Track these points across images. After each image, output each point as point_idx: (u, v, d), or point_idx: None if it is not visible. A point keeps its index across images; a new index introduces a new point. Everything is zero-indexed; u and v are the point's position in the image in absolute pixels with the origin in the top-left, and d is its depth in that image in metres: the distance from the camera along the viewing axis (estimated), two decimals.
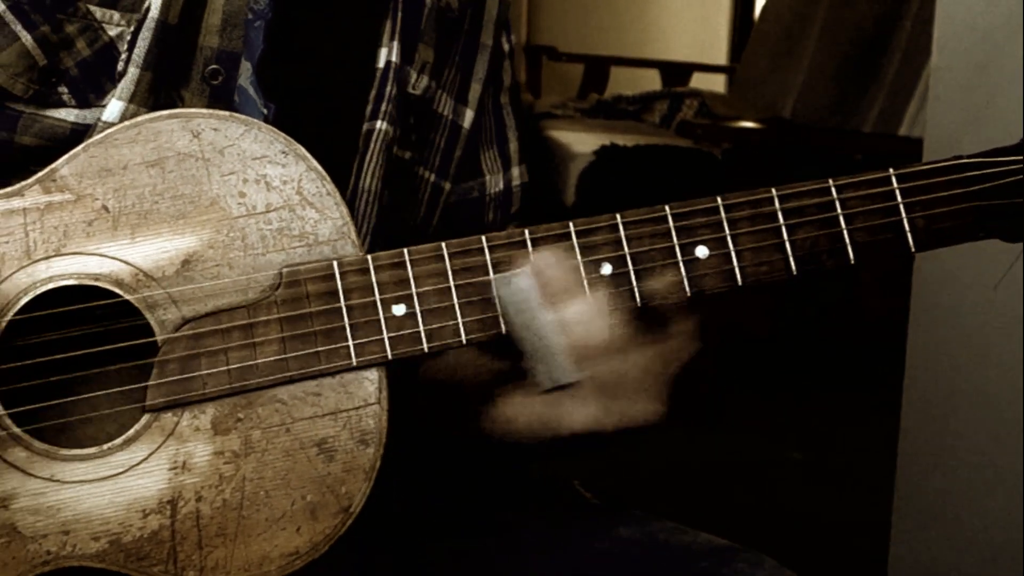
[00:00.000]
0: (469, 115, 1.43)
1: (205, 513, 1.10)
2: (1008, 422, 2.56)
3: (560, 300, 1.14)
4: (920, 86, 5.02)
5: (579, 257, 1.14)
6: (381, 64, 1.33)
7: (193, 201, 1.11)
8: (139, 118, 1.11)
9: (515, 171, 1.49)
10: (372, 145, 1.31)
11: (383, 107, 1.32)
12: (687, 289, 1.16)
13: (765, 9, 6.76)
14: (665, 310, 1.16)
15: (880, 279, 4.17)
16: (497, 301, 1.14)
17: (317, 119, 1.30)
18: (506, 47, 1.48)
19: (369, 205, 1.31)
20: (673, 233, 1.16)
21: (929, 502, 2.74)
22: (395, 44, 1.33)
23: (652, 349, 1.17)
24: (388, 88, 1.32)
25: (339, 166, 1.26)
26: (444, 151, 1.41)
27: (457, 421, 1.34)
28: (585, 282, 1.15)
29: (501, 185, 1.47)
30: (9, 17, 1.17)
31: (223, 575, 1.10)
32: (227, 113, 1.12)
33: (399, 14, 1.34)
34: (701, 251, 1.16)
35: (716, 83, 7.25)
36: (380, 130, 1.31)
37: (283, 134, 1.13)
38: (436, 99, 1.40)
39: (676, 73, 7.11)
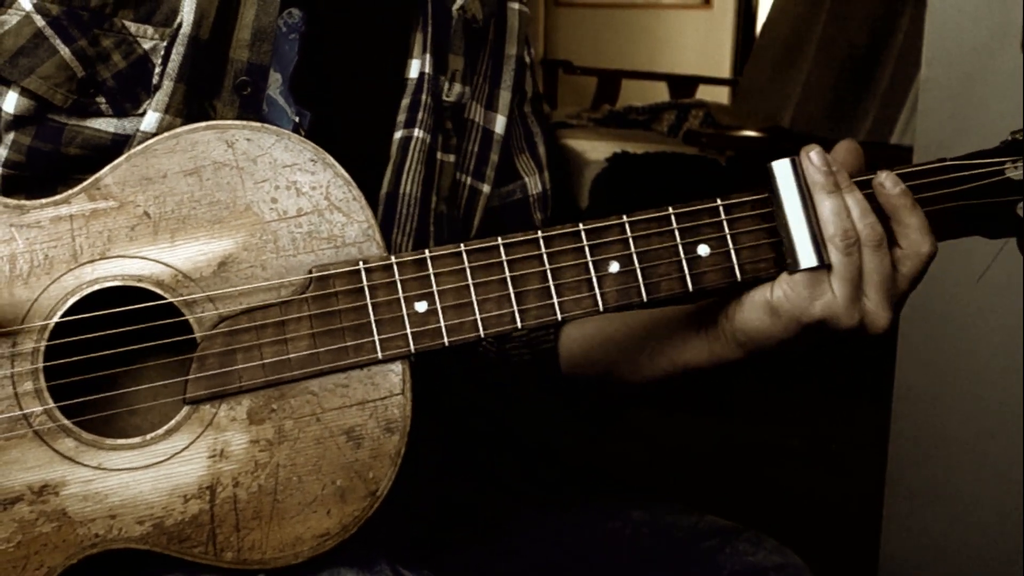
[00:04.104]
0: (500, 121, 1.42)
1: (242, 498, 1.09)
2: (995, 408, 2.54)
3: (827, 191, 1.14)
4: (910, 97, 4.99)
5: (588, 256, 1.14)
6: (413, 75, 1.32)
7: (228, 207, 1.10)
8: (177, 129, 1.11)
9: (546, 174, 1.49)
10: (411, 152, 1.30)
11: (419, 116, 1.31)
12: (689, 285, 1.15)
13: (766, 26, 6.74)
14: (891, 209, 1.15)
15: None
16: (772, 182, 1.15)
17: (350, 126, 1.30)
18: (527, 59, 1.47)
19: (411, 208, 1.30)
20: (676, 233, 1.15)
21: (919, 485, 2.73)
22: (427, 56, 1.33)
23: (895, 251, 1.16)
24: (423, 97, 1.32)
25: (369, 170, 1.26)
26: (478, 156, 1.40)
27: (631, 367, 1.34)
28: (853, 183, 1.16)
29: (540, 186, 1.47)
30: (48, 32, 1.17)
31: (259, 555, 1.10)
32: (260, 124, 1.12)
33: (429, 27, 1.33)
34: (703, 249, 1.15)
35: (720, 95, 7.23)
36: (418, 138, 1.31)
37: (312, 143, 1.12)
38: (467, 107, 1.39)
39: (683, 85, 7.10)
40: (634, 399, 1.38)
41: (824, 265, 1.13)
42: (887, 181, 1.15)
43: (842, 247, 1.13)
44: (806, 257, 1.13)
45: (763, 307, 1.16)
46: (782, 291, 1.15)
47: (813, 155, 1.15)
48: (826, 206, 1.13)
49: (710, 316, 1.23)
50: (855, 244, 1.13)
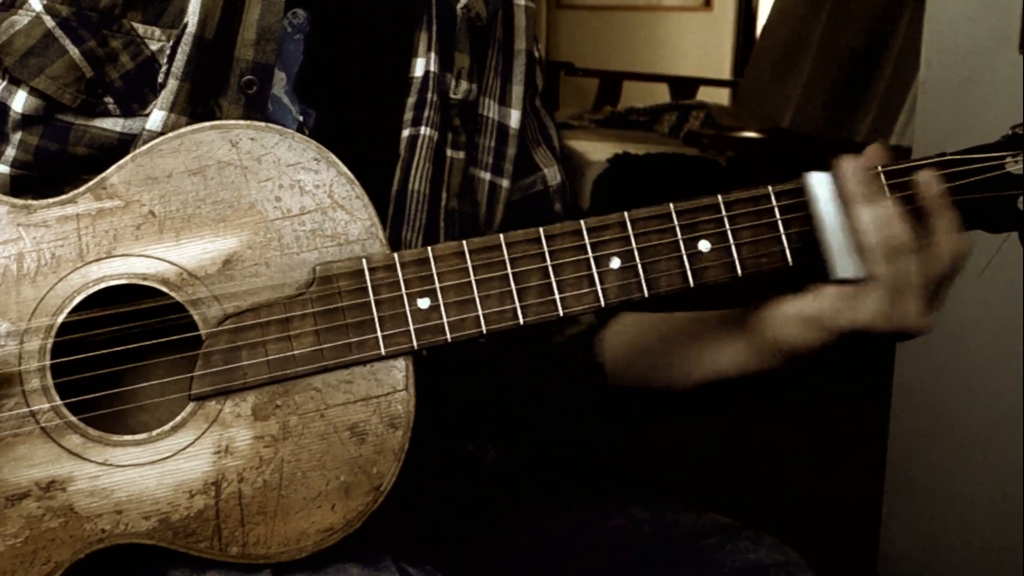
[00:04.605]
0: (515, 115, 1.42)
1: (247, 493, 1.10)
2: (995, 407, 2.55)
3: (866, 201, 1.14)
4: (909, 99, 4.99)
5: (590, 252, 1.14)
6: (419, 73, 1.33)
7: (232, 206, 1.11)
8: (182, 129, 1.12)
9: (561, 166, 1.50)
10: (419, 150, 1.30)
11: (426, 114, 1.31)
12: (690, 280, 1.16)
13: (766, 28, 6.74)
14: (929, 209, 1.15)
15: None
16: (809, 196, 1.15)
17: (356, 125, 1.30)
18: (536, 54, 1.48)
19: (419, 205, 1.30)
20: (677, 229, 1.15)
21: (919, 483, 2.73)
22: (432, 55, 1.33)
23: (931, 251, 1.15)
24: (429, 95, 1.32)
25: (378, 169, 1.26)
26: (495, 151, 1.41)
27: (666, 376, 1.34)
28: (886, 188, 1.16)
29: (558, 178, 1.47)
30: (58, 32, 1.18)
31: (264, 550, 1.10)
32: (264, 123, 1.12)
33: (434, 26, 1.34)
34: (703, 245, 1.16)
35: (721, 96, 7.23)
36: (425, 136, 1.31)
37: (315, 142, 1.13)
38: (480, 103, 1.40)
39: (683, 87, 7.10)
40: (674, 409, 1.39)
41: (863, 276, 1.14)
42: (932, 181, 1.15)
43: (882, 256, 1.13)
44: (844, 267, 1.14)
45: (804, 320, 1.17)
46: (820, 303, 1.15)
47: (850, 166, 1.14)
48: (865, 217, 1.13)
49: (751, 327, 1.24)
50: (895, 252, 1.13)
